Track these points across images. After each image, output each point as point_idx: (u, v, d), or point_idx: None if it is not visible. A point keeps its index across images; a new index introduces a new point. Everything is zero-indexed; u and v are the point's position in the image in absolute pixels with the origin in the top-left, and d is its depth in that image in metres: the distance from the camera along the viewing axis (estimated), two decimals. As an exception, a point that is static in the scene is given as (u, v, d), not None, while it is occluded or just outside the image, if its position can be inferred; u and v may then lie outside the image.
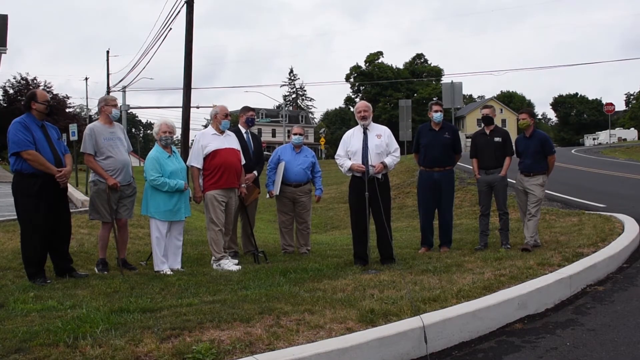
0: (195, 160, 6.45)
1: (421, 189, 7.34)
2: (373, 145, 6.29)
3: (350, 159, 6.37)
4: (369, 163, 6.22)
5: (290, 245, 7.76)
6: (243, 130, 7.40)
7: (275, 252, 7.70)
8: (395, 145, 6.53)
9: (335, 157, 6.70)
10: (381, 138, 6.39)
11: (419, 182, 7.44)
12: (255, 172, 7.30)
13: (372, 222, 6.39)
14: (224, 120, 6.55)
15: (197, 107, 38.41)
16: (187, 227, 7.82)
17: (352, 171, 6.34)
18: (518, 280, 4.90)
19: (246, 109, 7.53)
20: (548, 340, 3.93)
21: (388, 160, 6.33)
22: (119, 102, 6.60)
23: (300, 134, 7.76)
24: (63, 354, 3.15)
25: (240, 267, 6.27)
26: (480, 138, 7.33)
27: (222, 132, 6.55)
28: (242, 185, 6.79)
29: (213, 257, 6.41)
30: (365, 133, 6.36)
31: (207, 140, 6.46)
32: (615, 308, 4.62)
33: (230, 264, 6.25)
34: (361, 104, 6.54)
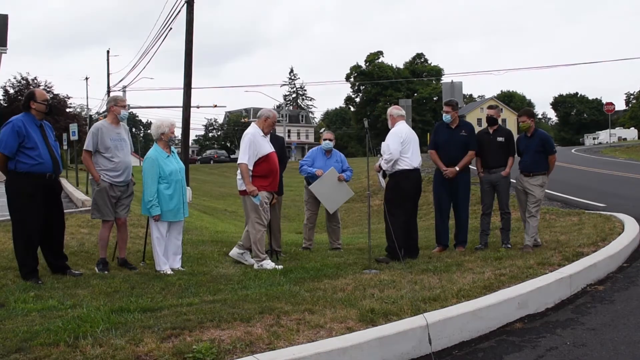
0: (249, 160, 6.33)
1: (437, 188, 7.31)
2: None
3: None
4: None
5: (309, 240, 8.13)
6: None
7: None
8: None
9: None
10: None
11: (434, 180, 7.37)
12: None
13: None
14: (272, 126, 6.60)
15: (197, 107, 38.44)
16: (187, 226, 7.85)
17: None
18: (518, 280, 4.90)
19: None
20: (548, 339, 3.93)
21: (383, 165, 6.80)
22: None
23: (330, 140, 8.07)
24: (63, 354, 3.16)
25: (281, 266, 6.30)
26: (484, 137, 7.29)
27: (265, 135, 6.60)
28: None
29: (255, 257, 6.38)
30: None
31: (259, 142, 6.41)
32: (616, 307, 4.63)
33: (271, 264, 6.27)
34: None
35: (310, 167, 7.95)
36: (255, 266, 6.32)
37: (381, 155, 6.80)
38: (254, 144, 6.32)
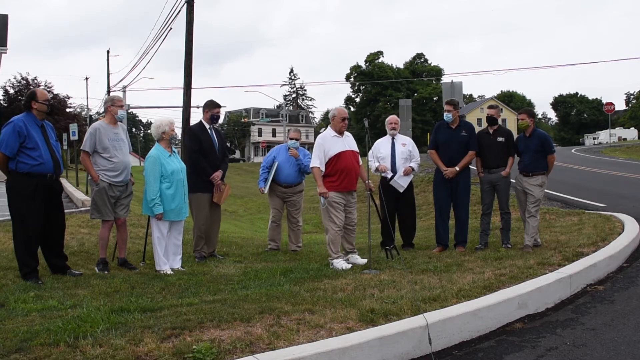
0: (320, 164, 6.34)
1: (437, 188, 7.31)
2: (399, 152, 7.45)
3: (378, 162, 7.47)
4: (396, 167, 7.41)
5: (273, 241, 7.90)
6: (207, 126, 7.06)
7: (274, 252, 7.71)
8: (418, 153, 7.65)
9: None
10: (405, 146, 7.49)
11: (434, 180, 7.40)
12: (221, 171, 7.01)
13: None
14: (341, 124, 6.50)
15: (197, 107, 38.33)
16: (188, 227, 7.81)
17: (378, 171, 7.45)
18: (518, 280, 4.90)
19: (212, 105, 7.14)
20: (548, 339, 3.93)
21: (414, 165, 7.51)
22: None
23: (296, 139, 7.92)
24: (63, 354, 3.16)
25: (350, 265, 6.26)
26: (484, 138, 7.28)
27: (341, 135, 6.50)
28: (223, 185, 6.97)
29: (329, 257, 6.35)
30: (392, 142, 7.51)
31: (328, 143, 6.39)
32: (616, 307, 4.63)
33: (342, 263, 6.22)
34: (392, 117, 7.74)
35: (263, 179, 7.86)
36: (331, 265, 6.25)
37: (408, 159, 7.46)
38: (321, 146, 6.37)
